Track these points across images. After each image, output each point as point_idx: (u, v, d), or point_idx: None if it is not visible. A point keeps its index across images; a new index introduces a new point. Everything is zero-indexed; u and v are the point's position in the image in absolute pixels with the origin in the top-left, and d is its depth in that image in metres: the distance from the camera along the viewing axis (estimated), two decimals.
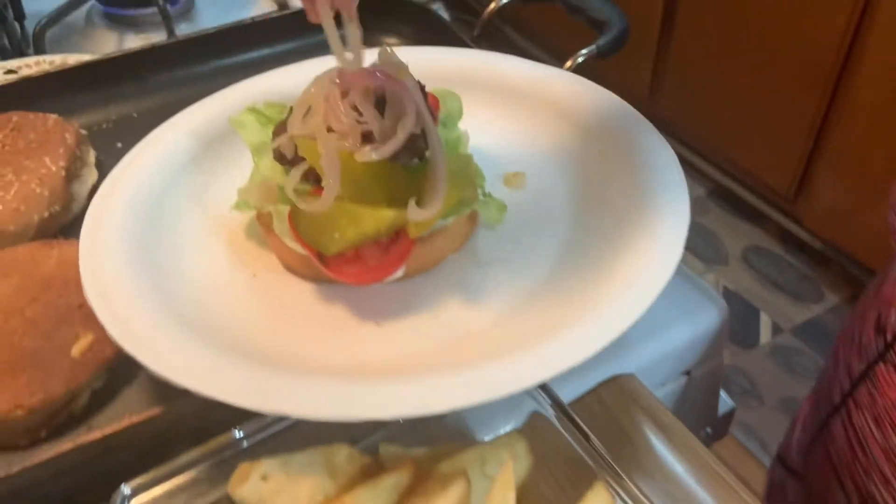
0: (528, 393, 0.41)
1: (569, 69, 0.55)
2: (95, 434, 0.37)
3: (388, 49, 0.45)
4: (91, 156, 0.56)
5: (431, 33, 0.64)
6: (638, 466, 0.45)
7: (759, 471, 1.57)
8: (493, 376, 0.35)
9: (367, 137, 0.42)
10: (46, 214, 0.51)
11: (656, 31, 2.09)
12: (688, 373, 0.54)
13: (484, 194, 0.47)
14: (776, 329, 1.87)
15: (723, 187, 2.16)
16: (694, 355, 0.53)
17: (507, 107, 0.53)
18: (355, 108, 0.42)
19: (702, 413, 0.58)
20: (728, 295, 1.91)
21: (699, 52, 2.02)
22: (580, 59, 0.55)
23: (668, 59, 2.10)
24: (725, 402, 0.67)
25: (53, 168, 0.52)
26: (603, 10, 0.57)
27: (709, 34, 1.96)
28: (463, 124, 0.50)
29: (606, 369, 0.49)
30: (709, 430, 0.63)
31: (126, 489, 0.35)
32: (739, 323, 1.86)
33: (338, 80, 0.43)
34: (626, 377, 0.49)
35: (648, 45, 2.14)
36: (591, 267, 0.41)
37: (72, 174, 0.53)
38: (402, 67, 0.44)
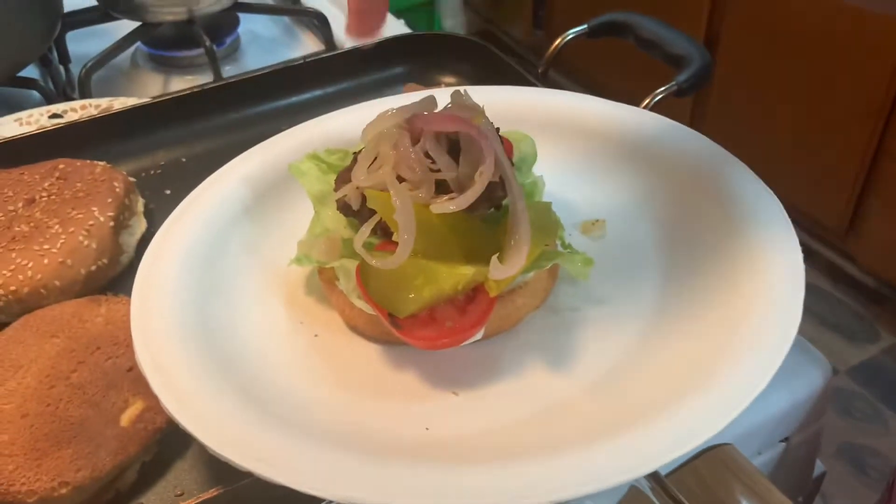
0: None
1: (646, 108, 0.51)
2: None
3: (462, 90, 0.41)
4: (139, 204, 0.54)
5: (491, 71, 0.61)
6: None
7: None
8: (597, 463, 0.30)
9: (441, 187, 0.38)
10: (94, 268, 0.48)
11: None
12: (786, 439, 0.48)
13: (564, 246, 0.43)
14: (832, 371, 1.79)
15: None
16: (794, 421, 0.48)
17: (581, 149, 0.49)
18: (427, 156, 0.39)
19: (798, 480, 0.53)
20: None
21: (742, 83, 1.98)
22: (658, 97, 0.51)
23: (710, 90, 2.06)
24: (818, 466, 0.62)
25: (101, 219, 0.49)
26: (682, 45, 0.53)
27: (753, 65, 1.92)
28: (537, 169, 0.46)
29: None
30: (800, 498, 0.57)
31: None
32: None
33: (407, 126, 0.39)
34: (725, 447, 0.44)
35: None
36: (694, 331, 0.37)
37: (120, 224, 0.50)
38: (478, 110, 0.40)
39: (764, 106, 1.92)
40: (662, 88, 0.51)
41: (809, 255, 2.04)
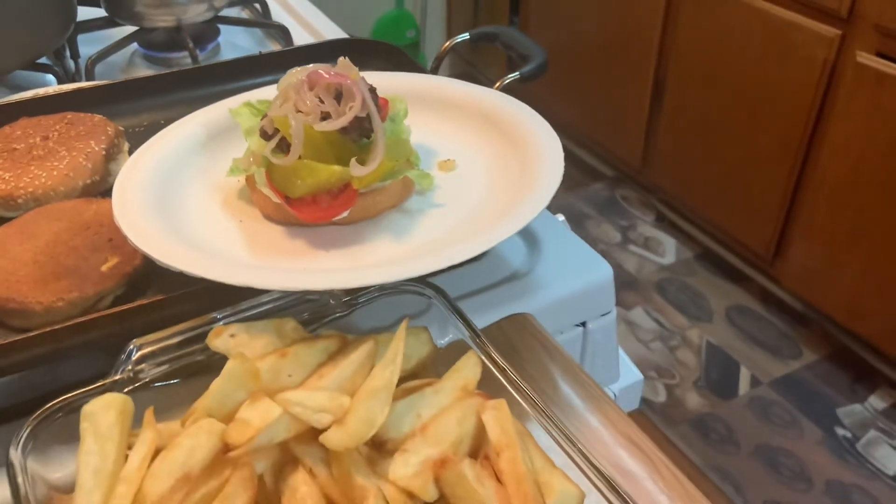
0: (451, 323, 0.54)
1: (497, 88, 0.71)
2: (114, 309, 0.52)
3: (345, 59, 0.61)
4: (125, 147, 0.73)
5: (403, 67, 0.81)
6: (531, 378, 0.58)
7: None
8: (399, 269, 0.49)
9: (325, 117, 0.58)
10: (89, 182, 0.67)
11: (646, 109, 2.29)
12: (583, 325, 0.67)
13: (418, 169, 0.62)
14: (755, 382, 1.96)
15: (709, 250, 2.31)
16: (587, 309, 0.66)
17: (446, 114, 0.69)
18: (319, 99, 0.58)
19: (603, 367, 0.71)
20: (711, 349, 2.02)
21: (686, 127, 2.21)
22: (507, 82, 0.71)
23: (658, 133, 2.29)
24: (635, 374, 0.80)
25: (96, 148, 0.68)
26: (528, 47, 0.73)
27: (694, 110, 2.15)
28: (409, 123, 0.65)
29: (506, 309, 0.63)
30: (615, 391, 0.75)
31: (133, 345, 0.49)
32: (721, 375, 1.97)
33: (306, 79, 0.59)
34: (526, 315, 0.62)
35: (639, 121, 2.33)
36: (495, 206, 0.56)
37: (110, 155, 0.69)
38: (354, 70, 0.60)
39: (705, 143, 2.14)
40: (510, 75, 0.72)
41: (743, 280, 2.22)
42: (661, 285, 2.21)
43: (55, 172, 0.66)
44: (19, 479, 0.42)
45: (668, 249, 2.31)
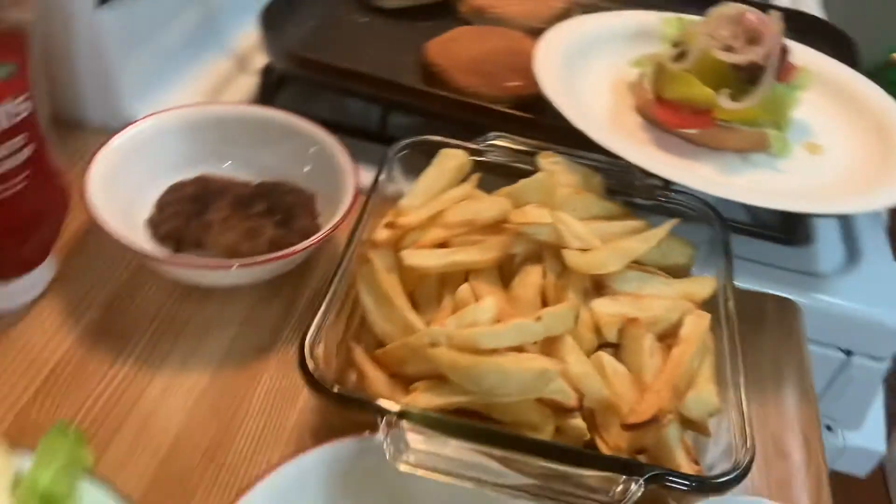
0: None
1: None
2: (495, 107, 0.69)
3: (778, 13, 0.67)
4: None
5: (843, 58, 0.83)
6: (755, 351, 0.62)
7: None
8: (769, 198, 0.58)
9: (728, 49, 0.65)
10: (538, 27, 0.84)
11: None
12: (848, 353, 0.67)
13: (781, 133, 0.67)
14: None
15: None
16: (861, 340, 0.67)
17: (845, 107, 0.72)
18: (735, 36, 0.66)
19: (842, 410, 0.70)
20: None
21: None
22: None
23: None
24: (878, 441, 0.77)
25: (555, 4, 0.85)
26: None
27: None
28: (804, 97, 0.70)
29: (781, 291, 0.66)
30: (845, 439, 0.74)
31: (494, 133, 0.65)
32: None
33: (734, 13, 0.67)
34: (792, 302, 0.66)
35: None
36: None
37: (565, 14, 0.86)
38: (779, 26, 0.66)
39: None
40: None
41: None
42: None
43: (522, 7, 0.85)
44: (382, 175, 0.61)
45: None
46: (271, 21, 0.76)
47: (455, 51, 0.78)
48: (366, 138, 0.73)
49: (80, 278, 0.58)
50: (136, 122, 0.64)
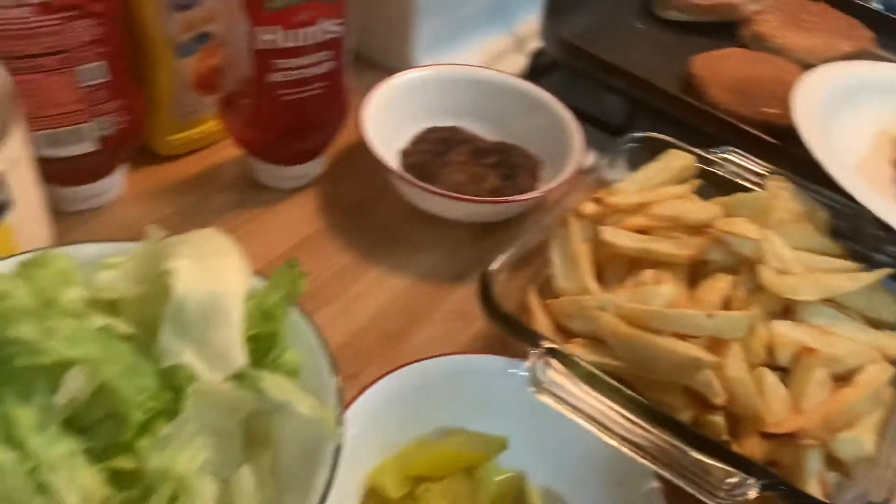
0: None
1: None
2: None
3: None
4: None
5: None
6: None
7: None
8: None
9: None
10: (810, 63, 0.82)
11: None
12: None
13: None
14: None
15: None
16: None
17: None
18: None
19: None
20: None
21: None
22: None
23: None
24: None
25: (846, 48, 0.82)
26: None
27: None
28: None
29: None
30: None
31: (728, 150, 0.66)
32: None
33: None
34: None
35: None
36: None
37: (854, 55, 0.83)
38: None
39: None
40: None
41: None
42: None
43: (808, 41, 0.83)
44: (605, 159, 0.65)
45: None
46: (554, 10, 0.83)
47: (720, 67, 0.80)
48: (605, 130, 0.78)
49: (339, 180, 0.70)
50: (415, 68, 0.75)
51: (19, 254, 0.43)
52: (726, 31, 0.91)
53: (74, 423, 0.38)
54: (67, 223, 0.60)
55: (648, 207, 0.60)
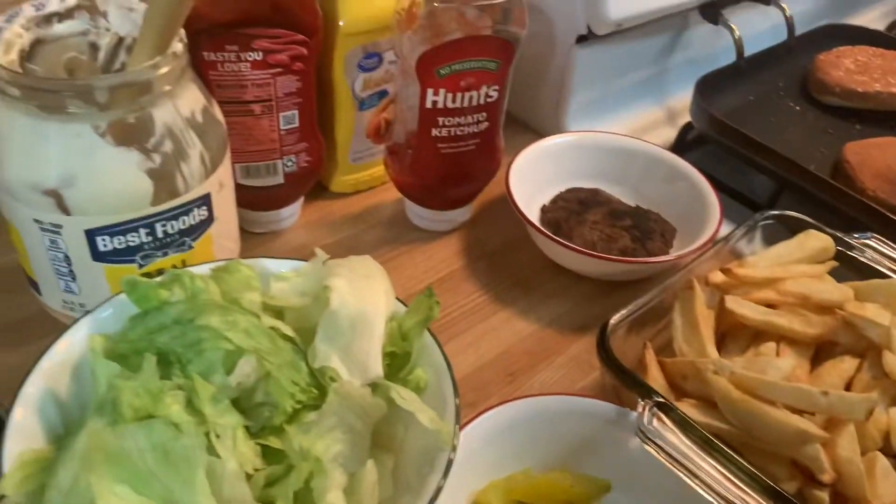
0: None
1: None
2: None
3: None
4: None
5: None
6: None
7: None
8: None
9: None
10: None
11: None
12: None
13: None
14: None
15: None
16: None
17: None
18: None
19: None
20: None
21: None
22: None
23: None
24: None
25: None
26: None
27: None
28: None
29: None
30: None
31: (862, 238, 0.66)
32: None
33: None
34: None
35: None
36: None
37: None
38: None
39: None
40: None
41: None
42: None
43: None
44: (740, 231, 0.67)
45: None
46: (705, 88, 0.86)
47: (873, 155, 0.79)
48: (748, 205, 0.79)
49: (483, 227, 0.77)
50: (563, 133, 0.81)
51: (214, 261, 0.52)
52: (885, 119, 0.89)
53: (239, 403, 0.45)
54: (252, 241, 0.71)
55: (779, 283, 0.62)
